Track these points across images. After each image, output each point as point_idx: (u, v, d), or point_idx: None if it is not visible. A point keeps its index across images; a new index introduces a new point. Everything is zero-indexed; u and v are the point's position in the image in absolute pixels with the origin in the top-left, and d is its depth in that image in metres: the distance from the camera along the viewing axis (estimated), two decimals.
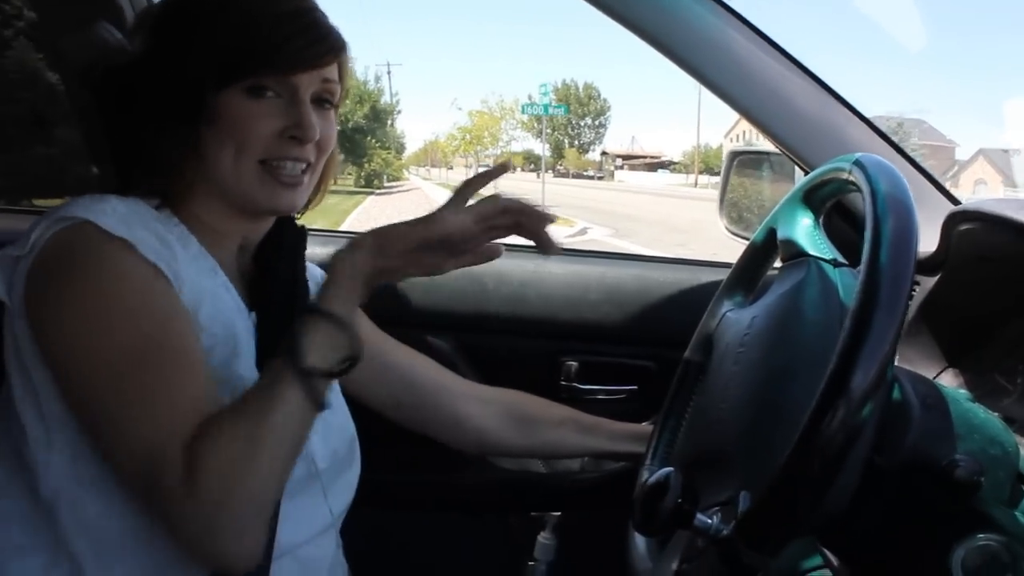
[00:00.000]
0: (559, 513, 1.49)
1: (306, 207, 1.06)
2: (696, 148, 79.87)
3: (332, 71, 1.00)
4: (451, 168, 62.94)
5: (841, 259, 0.95)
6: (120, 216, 0.89)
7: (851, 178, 0.85)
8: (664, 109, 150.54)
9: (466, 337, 1.51)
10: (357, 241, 0.90)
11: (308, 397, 0.83)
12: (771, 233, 1.05)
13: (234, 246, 1.03)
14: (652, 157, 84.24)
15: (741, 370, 0.93)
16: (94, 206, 0.88)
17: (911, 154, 1.36)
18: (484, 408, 1.25)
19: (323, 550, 1.05)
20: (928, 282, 1.15)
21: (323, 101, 1.00)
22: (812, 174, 0.98)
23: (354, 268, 0.89)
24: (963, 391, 0.90)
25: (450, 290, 1.50)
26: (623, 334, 1.52)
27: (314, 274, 1.11)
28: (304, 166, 0.98)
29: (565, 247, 0.99)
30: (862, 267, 0.73)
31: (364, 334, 1.18)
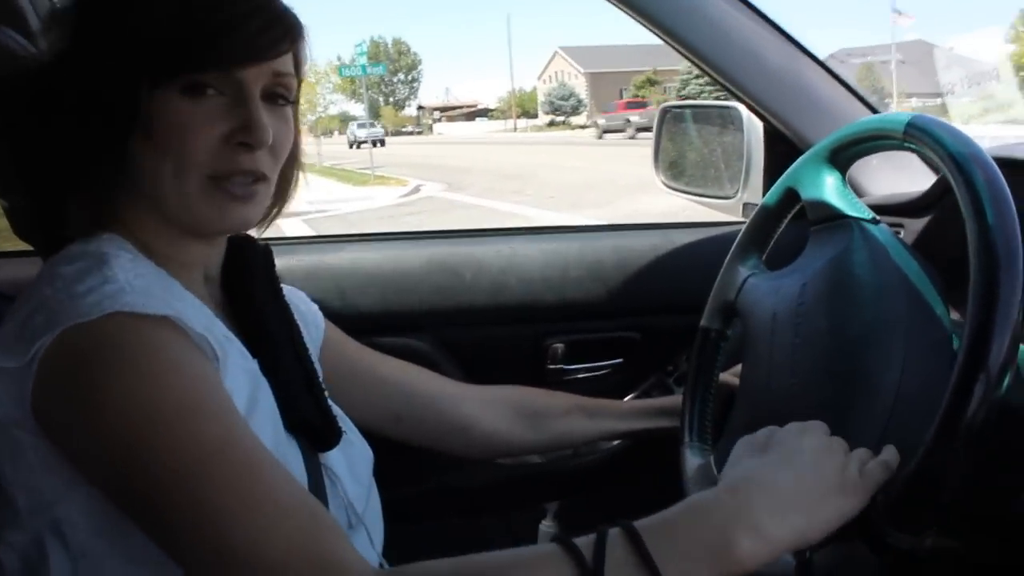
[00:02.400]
0: (557, 501, 1.45)
1: (263, 221, 0.91)
2: (511, 93, 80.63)
3: (285, 62, 0.83)
4: None
5: (877, 216, 0.94)
6: (136, 278, 0.75)
7: (907, 139, 0.84)
8: (475, 58, 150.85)
9: (447, 333, 1.44)
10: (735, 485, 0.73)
11: None
12: (787, 193, 1.03)
13: (199, 276, 0.89)
14: (468, 106, 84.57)
15: (805, 341, 0.91)
16: (97, 284, 0.73)
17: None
18: (488, 409, 1.18)
19: None
20: (915, 223, 1.17)
21: (276, 97, 0.84)
22: (841, 133, 0.96)
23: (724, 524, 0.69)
24: None
25: (428, 287, 1.42)
26: (606, 308, 1.48)
27: (292, 299, 1.01)
28: (254, 177, 0.82)
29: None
30: (969, 233, 0.72)
31: (348, 352, 1.11)
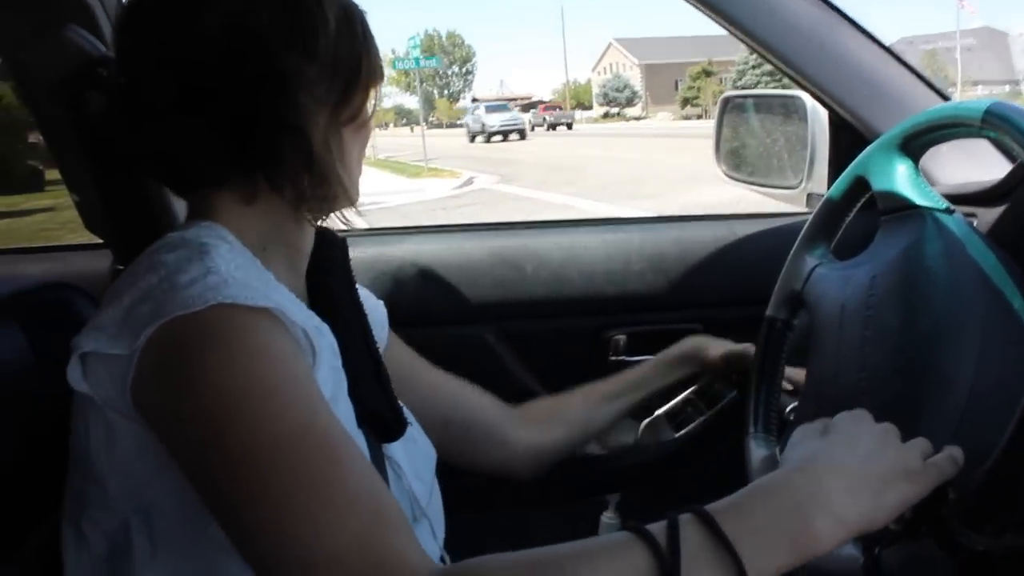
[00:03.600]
0: (620, 493, 1.44)
1: None
2: (566, 85, 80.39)
3: None
4: None
5: (951, 206, 0.92)
6: (235, 269, 0.76)
7: (985, 127, 0.82)
8: (529, 50, 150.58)
9: (508, 326, 1.45)
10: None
11: None
12: (856, 182, 1.01)
13: (287, 267, 0.90)
14: (523, 98, 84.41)
15: (876, 335, 0.90)
16: (200, 275, 0.74)
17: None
18: (522, 422, 1.20)
19: None
20: (990, 213, 1.14)
21: None
22: (915, 120, 0.94)
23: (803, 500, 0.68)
24: None
25: (489, 279, 1.43)
26: (667, 300, 1.48)
27: (361, 294, 1.03)
28: None
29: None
30: None
31: (404, 357, 1.12)
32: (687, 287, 1.46)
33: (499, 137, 34.23)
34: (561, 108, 50.78)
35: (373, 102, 0.89)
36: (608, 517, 1.44)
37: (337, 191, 0.84)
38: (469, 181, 17.37)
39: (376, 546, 0.66)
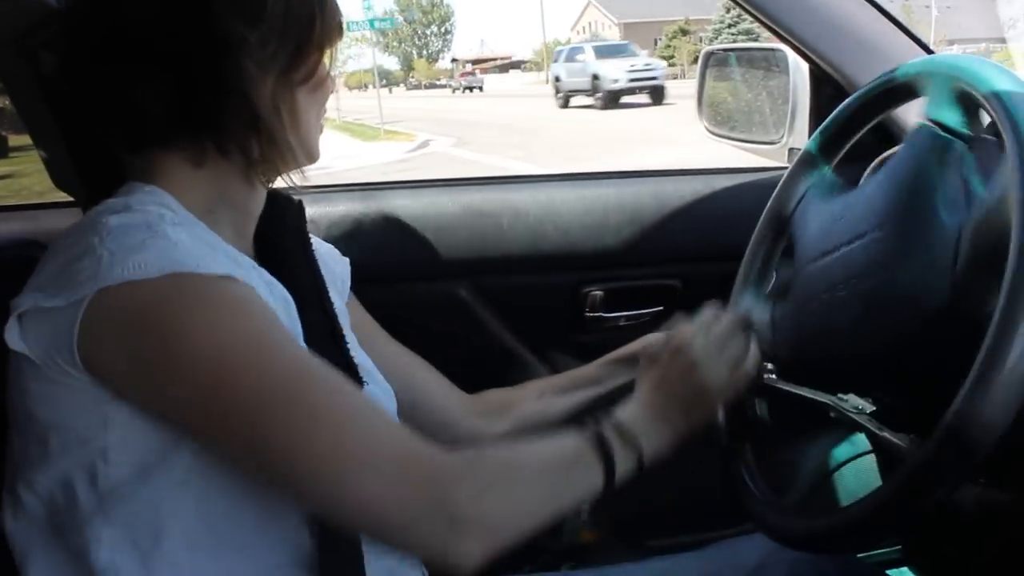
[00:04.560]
0: None
1: None
2: (544, 44, 79.79)
3: None
4: None
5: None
6: (183, 235, 0.76)
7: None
8: (509, 8, 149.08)
9: (484, 281, 1.43)
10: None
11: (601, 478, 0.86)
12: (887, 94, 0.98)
13: (233, 230, 0.89)
14: (503, 58, 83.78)
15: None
16: (148, 240, 0.73)
17: None
18: (469, 410, 1.19)
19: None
20: None
21: None
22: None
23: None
24: None
25: (465, 234, 1.41)
26: (645, 256, 1.47)
27: (322, 253, 1.03)
28: None
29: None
30: (1013, 180, 0.68)
31: (363, 324, 1.11)
32: (665, 242, 1.45)
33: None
34: (475, 74, 56.13)
35: (329, 61, 0.88)
36: None
37: (286, 154, 0.85)
38: (424, 144, 16.92)
39: (405, 443, 0.76)
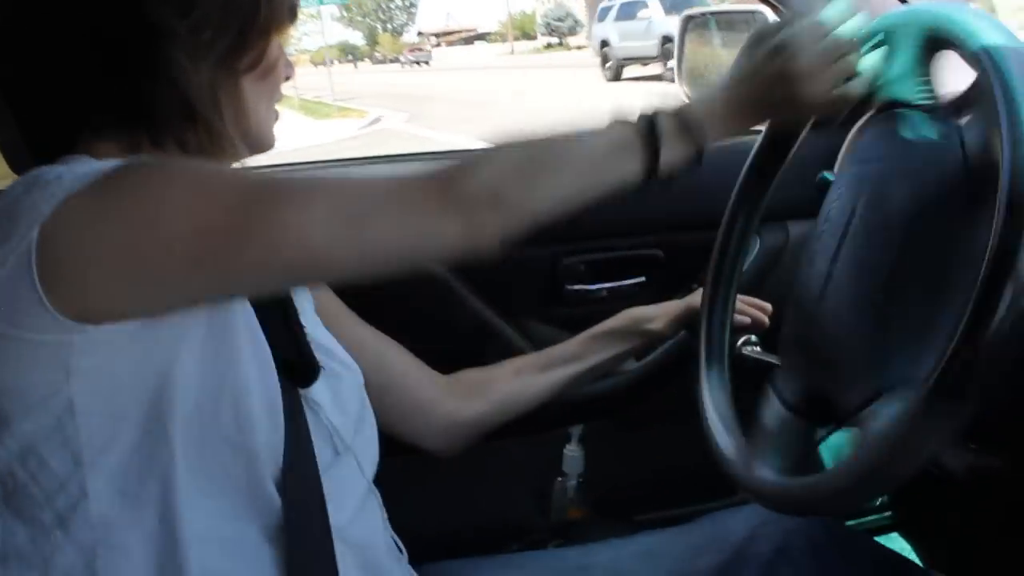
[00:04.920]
0: (582, 424, 1.42)
1: None
2: (509, 17, 79.38)
3: None
4: None
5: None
6: None
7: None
8: None
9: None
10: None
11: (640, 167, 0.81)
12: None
13: None
14: (467, 31, 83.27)
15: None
16: (78, 165, 0.73)
17: None
18: (444, 392, 1.16)
19: (371, 531, 0.96)
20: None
21: None
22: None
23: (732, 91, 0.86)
24: None
25: None
26: (625, 226, 1.43)
27: None
28: None
29: None
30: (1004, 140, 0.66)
31: (330, 311, 1.07)
32: (645, 211, 1.41)
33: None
34: (423, 50, 57.95)
35: (278, 47, 0.85)
36: (571, 449, 1.42)
37: (226, 146, 0.83)
38: (376, 120, 16.54)
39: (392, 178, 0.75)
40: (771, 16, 1.37)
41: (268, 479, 0.81)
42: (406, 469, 1.18)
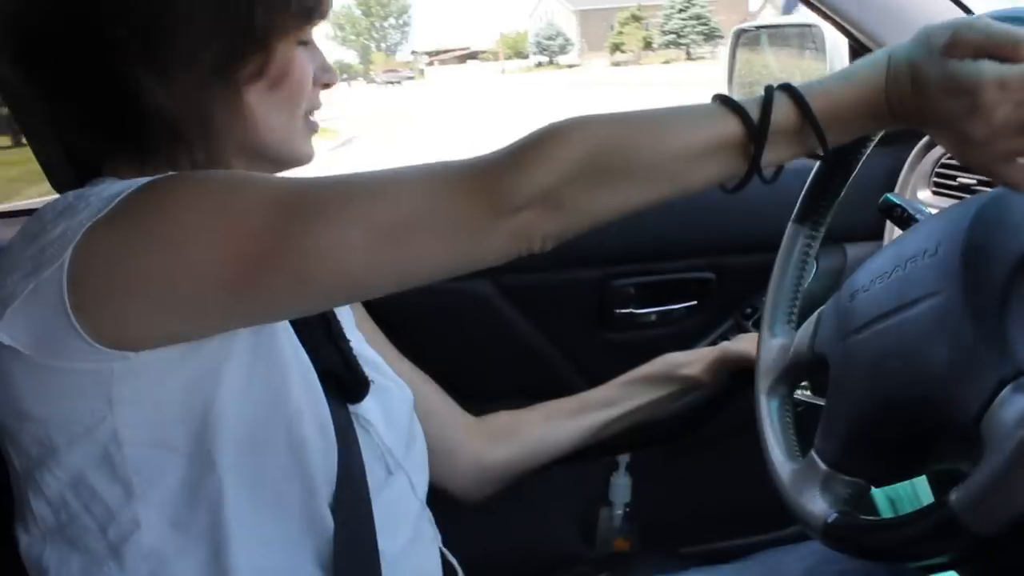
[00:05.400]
0: (630, 453, 1.37)
1: None
2: (501, 35, 79.83)
3: None
4: None
5: None
6: None
7: None
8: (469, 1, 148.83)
9: (505, 279, 1.34)
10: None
11: (733, 171, 0.70)
12: None
13: None
14: (460, 50, 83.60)
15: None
16: (97, 190, 0.71)
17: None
18: (471, 434, 1.13)
19: (425, 557, 0.94)
20: None
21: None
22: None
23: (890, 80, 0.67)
24: None
25: None
26: (677, 247, 1.39)
27: None
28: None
29: None
30: None
31: (367, 333, 1.04)
32: (697, 232, 1.37)
33: None
34: (396, 71, 63.72)
35: (290, 53, 0.81)
36: (618, 478, 1.37)
37: (227, 163, 0.80)
38: (347, 142, 16.78)
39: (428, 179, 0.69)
40: (827, 29, 1.33)
41: (323, 503, 0.79)
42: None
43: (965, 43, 0.65)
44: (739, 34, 1.56)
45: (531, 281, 1.35)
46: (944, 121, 0.66)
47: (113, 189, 0.69)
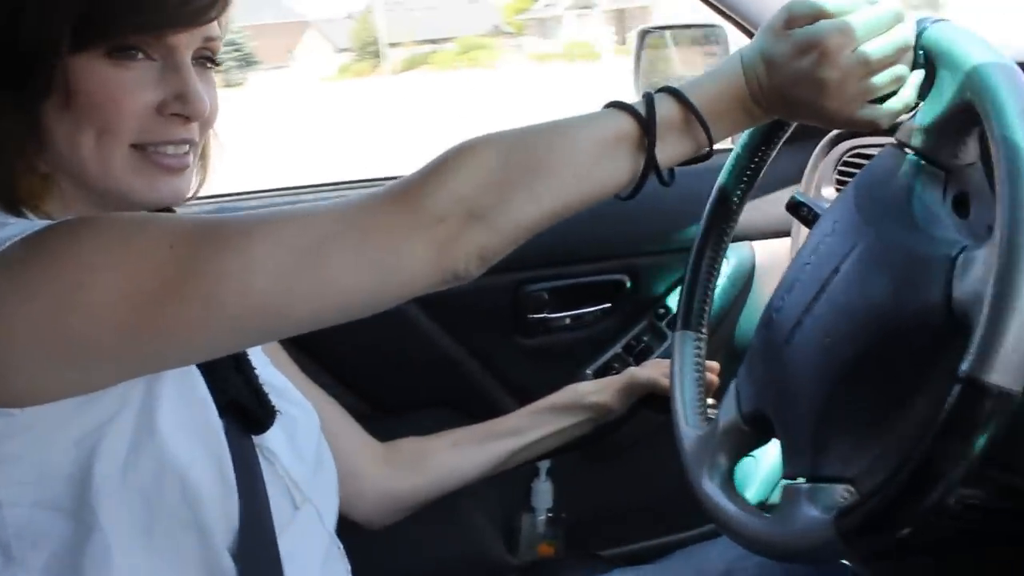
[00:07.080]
0: (550, 459, 1.37)
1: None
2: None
3: (216, 25, 0.78)
4: None
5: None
6: None
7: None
8: None
9: None
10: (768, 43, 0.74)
11: (633, 167, 0.72)
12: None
13: None
14: None
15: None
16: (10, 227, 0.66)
17: None
18: (377, 460, 1.11)
19: None
20: None
21: (205, 60, 0.79)
22: None
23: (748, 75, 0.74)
24: None
25: None
26: (590, 251, 1.39)
27: None
28: (188, 147, 0.77)
29: None
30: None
31: (276, 362, 1.00)
32: (610, 235, 1.37)
33: None
34: None
35: (96, 70, 0.71)
36: (539, 483, 1.38)
37: (58, 194, 0.74)
38: None
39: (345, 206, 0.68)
40: (730, 30, 1.34)
41: (222, 550, 0.75)
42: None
43: (801, 16, 0.72)
44: (644, 34, 1.55)
45: (444, 290, 1.34)
46: (799, 82, 0.72)
47: (10, 231, 0.65)
